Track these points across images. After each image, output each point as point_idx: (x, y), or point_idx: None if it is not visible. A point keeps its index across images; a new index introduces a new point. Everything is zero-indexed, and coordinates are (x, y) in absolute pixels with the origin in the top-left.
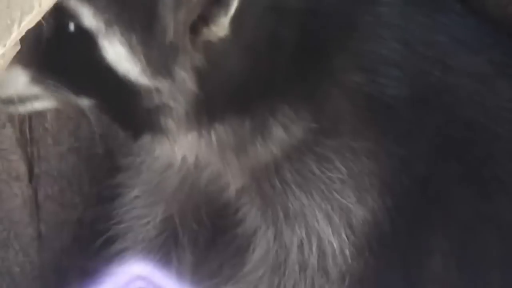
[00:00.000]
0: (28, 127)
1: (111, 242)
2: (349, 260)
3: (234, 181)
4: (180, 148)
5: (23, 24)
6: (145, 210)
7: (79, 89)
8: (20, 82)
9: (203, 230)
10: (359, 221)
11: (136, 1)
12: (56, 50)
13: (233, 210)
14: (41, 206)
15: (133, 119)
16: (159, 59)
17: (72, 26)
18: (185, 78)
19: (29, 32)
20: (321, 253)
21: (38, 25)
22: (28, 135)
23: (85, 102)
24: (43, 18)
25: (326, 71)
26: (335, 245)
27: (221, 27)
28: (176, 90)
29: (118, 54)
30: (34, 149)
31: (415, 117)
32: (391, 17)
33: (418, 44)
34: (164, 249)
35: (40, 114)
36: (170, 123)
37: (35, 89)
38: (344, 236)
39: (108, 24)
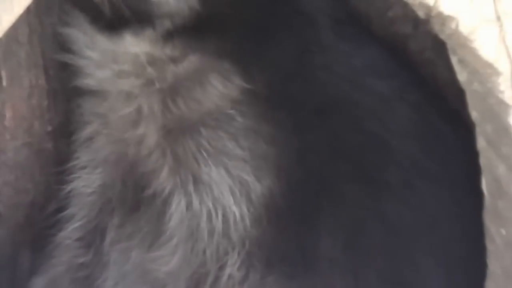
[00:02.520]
0: None
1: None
2: (249, 228)
3: (150, 135)
4: None
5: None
6: (87, 178)
7: None
8: None
9: (129, 193)
10: (258, 195)
11: None
12: None
13: (150, 169)
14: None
15: None
16: None
17: None
18: None
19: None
20: (225, 221)
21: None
22: None
23: None
24: None
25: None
26: (237, 214)
27: None
28: None
29: None
30: None
31: (316, 119)
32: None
33: (334, 63)
34: (102, 214)
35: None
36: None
37: None
38: (244, 207)
39: None
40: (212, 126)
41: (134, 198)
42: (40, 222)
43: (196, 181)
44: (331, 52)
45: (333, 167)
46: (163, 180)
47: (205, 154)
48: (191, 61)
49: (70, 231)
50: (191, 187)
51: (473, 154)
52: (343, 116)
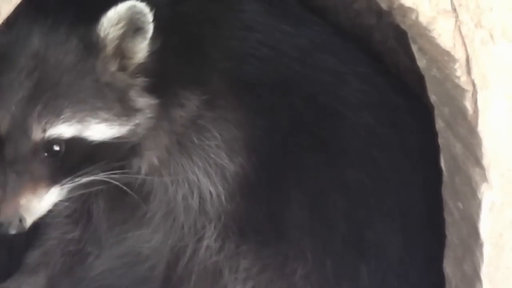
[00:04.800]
0: None
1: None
2: (224, 203)
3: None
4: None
5: None
6: None
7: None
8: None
9: (114, 186)
10: (232, 174)
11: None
12: (64, 166)
13: (135, 170)
14: None
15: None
16: (123, 108)
17: (57, 147)
18: (142, 102)
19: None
20: (202, 200)
21: None
22: None
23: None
24: None
25: (207, 61)
26: (213, 192)
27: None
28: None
29: (102, 132)
30: None
31: (275, 99)
32: (254, 23)
33: (281, 44)
34: (88, 195)
35: None
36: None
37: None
38: (219, 185)
39: (83, 124)
40: (187, 126)
41: (118, 188)
42: None
43: (173, 170)
44: (276, 33)
45: (295, 141)
46: (144, 173)
47: (178, 147)
48: None
49: (59, 210)
50: (167, 176)
51: (432, 134)
52: (298, 93)
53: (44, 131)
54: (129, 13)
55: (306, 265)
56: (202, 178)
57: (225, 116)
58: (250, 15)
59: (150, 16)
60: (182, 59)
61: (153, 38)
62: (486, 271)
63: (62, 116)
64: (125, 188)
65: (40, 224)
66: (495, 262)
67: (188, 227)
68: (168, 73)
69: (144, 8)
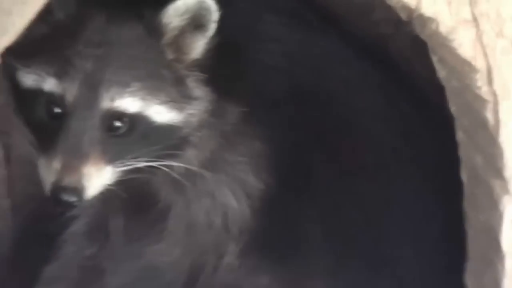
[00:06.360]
0: (6, 122)
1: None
2: (247, 220)
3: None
4: None
5: (1, 43)
6: None
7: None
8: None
9: (132, 199)
10: (256, 190)
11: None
12: (122, 145)
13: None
14: (15, 183)
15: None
16: (180, 94)
17: (120, 123)
18: (198, 91)
19: None
20: (224, 216)
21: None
22: (6, 128)
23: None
24: None
25: (240, 73)
26: (236, 209)
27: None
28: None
29: (161, 113)
30: (10, 138)
31: (292, 111)
32: (275, 34)
33: (298, 55)
34: (106, 212)
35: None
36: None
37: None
38: (244, 202)
39: (146, 102)
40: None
41: (137, 201)
42: (51, 215)
43: (196, 188)
44: (293, 43)
45: (311, 154)
46: (166, 192)
47: (210, 160)
48: None
49: (77, 227)
50: (191, 193)
51: (452, 145)
52: (313, 104)
53: (113, 100)
54: (196, 8)
55: (324, 282)
56: (227, 194)
57: (251, 130)
58: (271, 26)
59: (216, 15)
60: (223, 65)
61: (212, 36)
62: (507, 284)
63: (128, 89)
64: (177, 176)
65: (57, 240)
66: None
67: (209, 243)
68: (215, 77)
69: (213, 6)
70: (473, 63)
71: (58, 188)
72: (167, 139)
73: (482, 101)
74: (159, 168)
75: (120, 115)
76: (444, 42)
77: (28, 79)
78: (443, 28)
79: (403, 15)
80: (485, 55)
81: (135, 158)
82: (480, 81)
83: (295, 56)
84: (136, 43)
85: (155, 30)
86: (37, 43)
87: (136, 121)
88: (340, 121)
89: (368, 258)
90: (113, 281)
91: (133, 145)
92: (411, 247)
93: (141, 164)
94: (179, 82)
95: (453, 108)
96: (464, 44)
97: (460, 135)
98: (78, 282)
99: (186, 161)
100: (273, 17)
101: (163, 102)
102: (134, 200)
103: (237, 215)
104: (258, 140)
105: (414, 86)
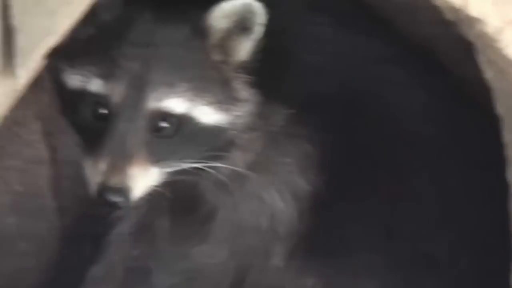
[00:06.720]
0: (51, 124)
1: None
2: (294, 221)
3: None
4: None
5: (47, 44)
6: None
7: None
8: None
9: (179, 202)
10: (303, 191)
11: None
12: (168, 146)
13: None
14: (61, 185)
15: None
16: (227, 96)
17: (166, 124)
18: (245, 93)
19: None
20: (272, 218)
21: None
22: (52, 129)
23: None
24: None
25: (288, 74)
26: (284, 211)
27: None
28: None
29: (208, 114)
30: (55, 140)
31: (342, 112)
32: (326, 36)
33: (349, 57)
34: (152, 214)
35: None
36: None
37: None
38: (291, 204)
39: (192, 103)
40: (267, 139)
41: (183, 203)
42: (97, 216)
43: (243, 190)
44: (345, 45)
45: (361, 156)
46: (212, 194)
47: (256, 162)
48: None
49: (123, 228)
50: (238, 195)
51: (499, 146)
52: (364, 106)
53: (160, 100)
54: (243, 10)
55: (373, 283)
56: (274, 195)
57: (299, 132)
58: (319, 28)
59: (262, 19)
60: (270, 67)
61: (259, 39)
62: None
63: (175, 90)
64: (224, 178)
65: (103, 241)
66: None
67: (256, 245)
68: (261, 80)
69: (259, 9)
70: None
71: (104, 189)
72: (213, 141)
73: None
74: (204, 170)
75: (166, 116)
76: (491, 43)
77: (74, 80)
78: (489, 29)
79: (449, 16)
80: None
81: (180, 159)
82: None
83: (343, 57)
84: (182, 44)
85: (201, 31)
86: (82, 44)
87: (182, 122)
88: (388, 122)
89: (417, 259)
90: (159, 282)
91: (179, 146)
92: (462, 248)
93: (187, 166)
94: (225, 84)
95: (500, 109)
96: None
97: (507, 137)
98: (124, 283)
99: (232, 163)
100: (321, 18)
101: (210, 103)
102: (180, 202)
103: (284, 217)
104: (306, 142)
105: (461, 87)
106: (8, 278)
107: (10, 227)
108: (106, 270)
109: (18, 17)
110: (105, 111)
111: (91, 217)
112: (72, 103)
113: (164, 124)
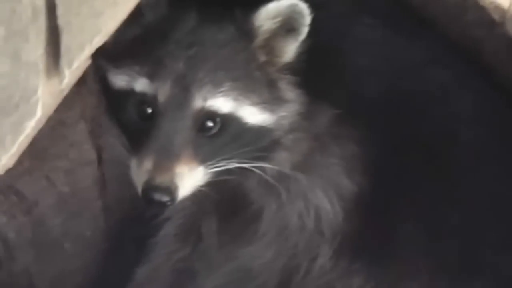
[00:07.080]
0: (97, 124)
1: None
2: (340, 222)
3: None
4: None
5: (93, 44)
6: None
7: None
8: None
9: (224, 202)
10: (349, 192)
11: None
12: (213, 145)
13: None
14: (107, 185)
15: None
16: (272, 96)
17: (212, 123)
18: (290, 94)
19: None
20: (317, 219)
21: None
22: (97, 129)
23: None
24: None
25: (334, 75)
26: (330, 211)
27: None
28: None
29: (253, 114)
30: (101, 140)
31: (388, 113)
32: (372, 37)
33: (396, 58)
34: (198, 215)
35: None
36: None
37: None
38: (337, 204)
39: (238, 103)
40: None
41: (229, 203)
42: (143, 217)
43: (288, 190)
44: (391, 46)
45: (407, 157)
46: (258, 194)
47: (303, 163)
48: None
49: (169, 229)
50: (284, 195)
51: None
52: (411, 107)
53: (205, 99)
54: (289, 11)
55: (420, 284)
56: (320, 196)
57: (345, 132)
58: (366, 29)
59: (308, 19)
60: (316, 68)
61: (304, 40)
62: None
63: (221, 89)
64: (269, 179)
65: (149, 242)
66: None
67: (302, 246)
68: (307, 80)
69: (305, 9)
70: None
71: (150, 188)
72: (258, 141)
73: None
74: (250, 170)
75: (212, 115)
76: None
77: (120, 80)
78: None
79: (496, 16)
80: None
81: (226, 159)
82: None
83: (390, 59)
84: (227, 44)
85: (247, 32)
86: (128, 44)
87: (228, 121)
88: (435, 124)
89: (465, 260)
90: (206, 284)
91: (225, 146)
92: (508, 252)
93: (233, 165)
94: (271, 84)
95: None
96: None
97: None
98: (170, 285)
99: (278, 164)
100: (368, 20)
101: (255, 103)
102: (226, 202)
103: (330, 217)
104: (352, 142)
105: (509, 89)
106: (53, 279)
107: (56, 228)
108: (151, 272)
109: (64, 18)
110: (151, 111)
111: (137, 219)
112: (118, 103)
113: (209, 124)
